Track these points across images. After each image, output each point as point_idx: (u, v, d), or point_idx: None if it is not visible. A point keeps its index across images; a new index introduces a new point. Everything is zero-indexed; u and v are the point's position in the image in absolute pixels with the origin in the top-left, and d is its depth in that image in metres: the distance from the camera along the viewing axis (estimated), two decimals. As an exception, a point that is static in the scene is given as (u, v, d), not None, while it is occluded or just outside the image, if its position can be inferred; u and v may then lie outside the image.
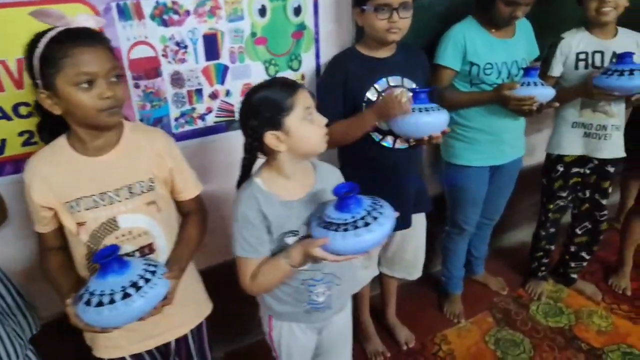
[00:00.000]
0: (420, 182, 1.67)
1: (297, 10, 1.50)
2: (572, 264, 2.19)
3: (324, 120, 1.06)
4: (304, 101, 1.02)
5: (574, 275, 2.22)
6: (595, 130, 1.85)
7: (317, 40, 1.58)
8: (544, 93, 1.58)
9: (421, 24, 1.67)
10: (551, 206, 2.04)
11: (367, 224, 0.94)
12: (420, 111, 1.32)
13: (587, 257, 2.14)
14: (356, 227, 0.93)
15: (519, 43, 1.72)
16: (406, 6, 1.36)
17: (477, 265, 2.26)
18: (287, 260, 1.06)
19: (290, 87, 1.03)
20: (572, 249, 2.15)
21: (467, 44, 1.63)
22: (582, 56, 1.78)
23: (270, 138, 1.03)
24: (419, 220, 1.72)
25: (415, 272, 1.84)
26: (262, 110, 1.02)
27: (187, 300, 1.20)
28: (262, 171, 1.12)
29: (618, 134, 1.86)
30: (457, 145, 1.82)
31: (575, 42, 1.77)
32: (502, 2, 1.55)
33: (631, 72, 1.61)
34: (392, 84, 1.45)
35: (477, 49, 1.64)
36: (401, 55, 1.49)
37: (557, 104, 1.66)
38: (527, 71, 1.61)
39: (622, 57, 1.65)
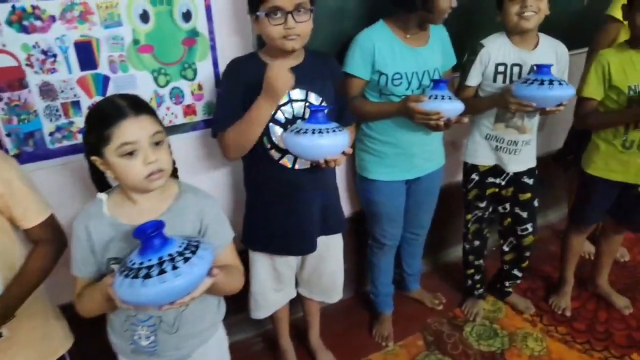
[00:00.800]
0: (331, 202, 1.55)
1: (187, 16, 1.38)
2: (507, 283, 2.10)
3: (153, 158, 0.94)
4: (124, 136, 0.91)
5: (509, 289, 2.13)
6: (507, 145, 1.77)
7: (213, 48, 1.45)
8: (452, 108, 1.47)
9: (334, 27, 1.57)
10: (469, 216, 1.95)
11: (162, 272, 0.82)
12: (314, 133, 1.20)
13: (520, 275, 2.06)
14: (147, 276, 0.81)
15: (433, 51, 1.61)
16: (302, 9, 1.24)
17: (411, 282, 2.15)
18: (100, 292, 0.96)
19: (111, 117, 0.92)
20: (505, 267, 2.07)
21: (376, 52, 1.51)
22: (501, 68, 1.67)
23: (97, 162, 0.94)
24: (333, 242, 1.61)
25: (334, 295, 1.74)
26: (87, 131, 0.93)
27: (33, 340, 1.08)
28: (114, 189, 1.04)
29: (528, 148, 1.80)
30: (367, 159, 1.72)
31: (495, 52, 1.66)
32: None
33: (550, 82, 1.51)
34: (294, 97, 1.33)
35: (386, 57, 1.52)
36: (308, 64, 1.37)
37: (466, 120, 1.55)
38: (436, 83, 1.50)
39: (541, 69, 1.55)
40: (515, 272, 2.04)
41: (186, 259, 0.86)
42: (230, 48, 1.47)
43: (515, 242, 1.98)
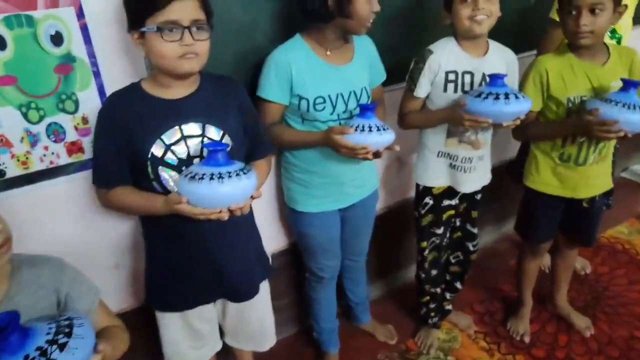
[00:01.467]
0: (254, 246, 1.36)
1: (57, 39, 1.14)
2: (448, 296, 1.96)
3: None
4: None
5: (449, 307, 1.99)
6: (461, 163, 1.60)
7: (97, 74, 1.22)
8: (380, 141, 1.29)
9: (244, 43, 1.36)
10: (425, 244, 1.78)
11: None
12: (213, 178, 0.99)
13: (460, 287, 1.94)
14: None
15: (359, 68, 1.42)
16: (201, 25, 1.04)
17: (361, 312, 1.98)
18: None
19: None
20: (447, 277, 1.93)
21: (294, 74, 1.31)
22: (451, 76, 1.50)
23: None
24: (261, 287, 1.41)
25: (265, 343, 1.54)
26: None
27: None
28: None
29: (482, 163, 1.65)
30: (295, 189, 1.53)
31: (445, 59, 1.48)
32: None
33: (506, 96, 1.35)
34: (188, 133, 1.11)
35: (306, 79, 1.33)
36: (206, 91, 1.16)
37: (397, 148, 1.37)
38: (363, 110, 1.31)
39: (494, 80, 1.38)
40: (458, 284, 1.94)
41: (62, 346, 0.74)
42: (120, 73, 1.24)
43: (462, 257, 1.88)
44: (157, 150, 1.09)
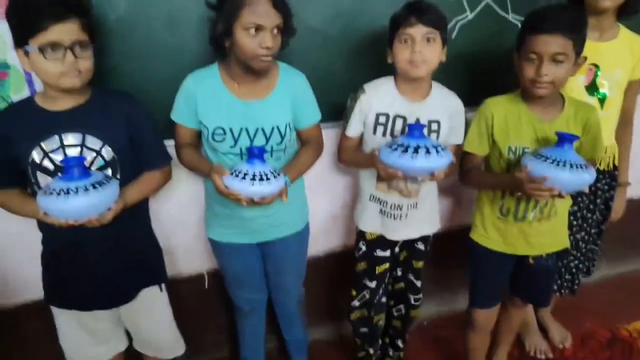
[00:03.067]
0: (138, 255, 1.37)
1: (-7, 48, 1.32)
2: (390, 352, 1.82)
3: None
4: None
5: None
6: (390, 209, 1.51)
7: (29, 82, 1.37)
8: (254, 191, 1.22)
9: (171, 67, 1.42)
10: (354, 292, 1.66)
11: None
12: (60, 194, 1.07)
13: (402, 346, 1.82)
14: None
15: (275, 106, 1.37)
16: (83, 45, 1.13)
17: (295, 352, 1.87)
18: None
19: None
20: (390, 331, 1.80)
21: (198, 101, 1.33)
22: (382, 119, 1.44)
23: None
24: (149, 295, 1.42)
25: (165, 351, 1.54)
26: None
27: None
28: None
29: (417, 212, 1.53)
30: (207, 214, 1.53)
31: (378, 99, 1.43)
32: (244, 31, 1.21)
33: (416, 149, 1.24)
34: (67, 142, 1.19)
35: (208, 108, 1.33)
36: (93, 105, 1.23)
37: (285, 199, 1.32)
38: (250, 156, 1.26)
39: (411, 130, 1.30)
40: (399, 342, 1.80)
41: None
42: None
43: (403, 311, 1.74)
44: (36, 156, 1.18)
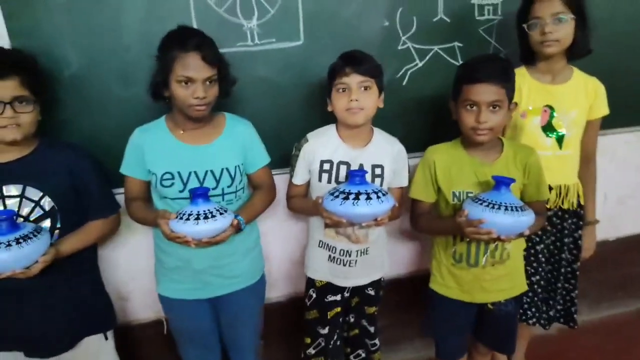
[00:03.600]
0: (78, 303, 1.38)
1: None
2: None
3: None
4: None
5: None
6: (340, 255, 1.51)
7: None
8: (200, 231, 1.22)
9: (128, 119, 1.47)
10: (309, 340, 1.62)
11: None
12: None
13: None
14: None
15: (222, 149, 1.40)
16: (24, 100, 1.19)
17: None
18: None
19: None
20: None
21: (146, 150, 1.37)
22: (326, 166, 1.46)
23: None
24: (94, 343, 1.42)
25: None
26: None
27: None
28: None
29: (368, 258, 1.52)
30: (156, 268, 1.50)
31: (321, 147, 1.46)
32: (177, 84, 1.27)
33: (357, 196, 1.26)
34: (6, 193, 1.24)
35: (156, 155, 1.36)
36: (37, 156, 1.29)
37: (223, 236, 1.29)
38: (193, 197, 1.27)
39: (352, 176, 1.32)
40: None
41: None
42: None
43: (364, 356, 1.70)
44: None
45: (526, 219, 1.25)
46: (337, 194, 1.30)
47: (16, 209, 1.25)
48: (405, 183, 1.53)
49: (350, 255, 1.50)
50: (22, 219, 1.25)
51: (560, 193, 1.62)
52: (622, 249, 2.31)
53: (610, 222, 2.20)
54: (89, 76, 1.46)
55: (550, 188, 1.61)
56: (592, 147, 1.70)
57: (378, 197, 1.27)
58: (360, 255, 1.50)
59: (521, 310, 1.72)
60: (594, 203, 1.74)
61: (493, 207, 1.24)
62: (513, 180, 1.30)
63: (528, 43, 1.53)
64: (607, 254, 2.19)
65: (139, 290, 1.74)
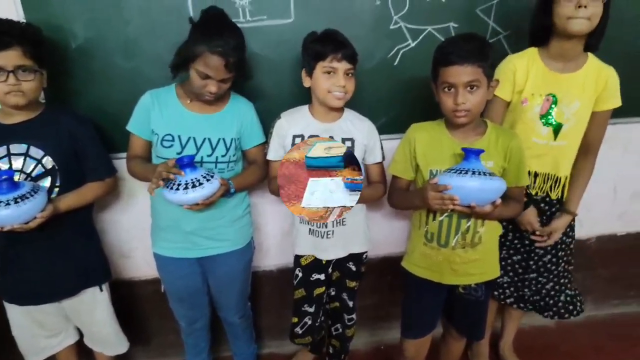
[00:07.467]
0: (75, 255, 1.52)
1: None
2: None
3: None
4: None
5: None
6: (317, 227, 1.57)
7: None
8: (201, 195, 1.35)
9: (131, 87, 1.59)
10: (296, 319, 1.69)
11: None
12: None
13: None
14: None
15: (223, 121, 1.51)
16: (26, 69, 1.32)
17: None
18: None
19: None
20: (330, 350, 1.84)
21: (153, 111, 1.47)
22: (297, 140, 1.52)
23: None
24: (91, 295, 1.58)
25: (109, 347, 1.70)
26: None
27: None
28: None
29: (344, 229, 1.57)
30: (152, 229, 1.63)
31: (294, 123, 1.53)
32: (196, 72, 1.38)
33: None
34: (13, 151, 1.39)
35: (161, 117, 1.47)
36: (41, 119, 1.43)
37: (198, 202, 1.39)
38: (181, 166, 1.36)
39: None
40: None
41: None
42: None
43: (340, 330, 1.77)
44: None
45: (495, 184, 1.24)
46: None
47: (21, 166, 1.40)
48: (379, 159, 1.57)
49: (326, 227, 1.56)
50: (25, 176, 1.39)
51: (547, 180, 1.59)
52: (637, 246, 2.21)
53: (621, 218, 2.11)
54: (95, 49, 1.58)
55: (536, 174, 1.59)
56: (595, 140, 1.60)
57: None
58: (336, 225, 1.56)
59: (500, 290, 1.72)
60: (579, 197, 1.65)
61: (460, 173, 1.24)
62: (482, 151, 1.29)
63: (547, 20, 1.43)
64: (617, 250, 2.12)
65: (140, 249, 1.88)
